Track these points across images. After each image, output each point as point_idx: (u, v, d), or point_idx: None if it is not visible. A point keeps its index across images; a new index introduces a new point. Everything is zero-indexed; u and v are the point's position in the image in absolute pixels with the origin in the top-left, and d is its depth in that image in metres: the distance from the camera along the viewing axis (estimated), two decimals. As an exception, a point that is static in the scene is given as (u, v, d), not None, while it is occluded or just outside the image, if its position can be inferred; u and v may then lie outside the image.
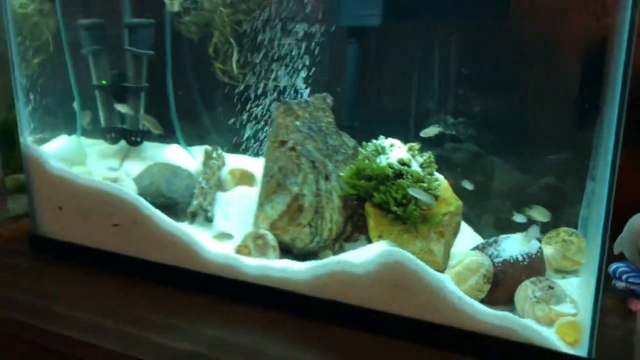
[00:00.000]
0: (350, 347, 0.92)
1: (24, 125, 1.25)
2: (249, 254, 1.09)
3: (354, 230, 1.12)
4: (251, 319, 1.01)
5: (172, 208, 1.24)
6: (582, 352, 0.82)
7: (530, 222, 1.08)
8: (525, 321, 0.86)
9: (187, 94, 1.47)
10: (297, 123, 1.16)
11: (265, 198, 1.12)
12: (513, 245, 1.00)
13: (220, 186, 1.35)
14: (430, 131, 1.17)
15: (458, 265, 0.97)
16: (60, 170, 1.24)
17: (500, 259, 0.98)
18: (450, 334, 0.89)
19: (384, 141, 1.11)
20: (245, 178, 1.36)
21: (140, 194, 1.20)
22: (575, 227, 1.16)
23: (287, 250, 1.12)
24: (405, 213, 1.00)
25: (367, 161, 1.08)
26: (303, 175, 1.08)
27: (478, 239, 1.19)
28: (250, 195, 1.31)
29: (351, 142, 1.20)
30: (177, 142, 1.45)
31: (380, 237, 1.03)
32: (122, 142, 1.47)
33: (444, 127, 1.25)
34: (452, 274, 0.95)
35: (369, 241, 1.08)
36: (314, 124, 1.16)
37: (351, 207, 1.11)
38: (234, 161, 1.43)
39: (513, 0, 1.19)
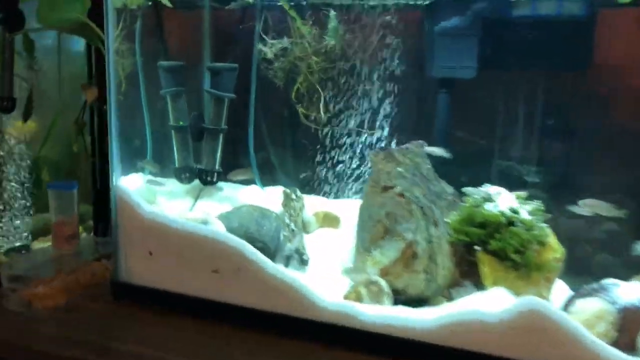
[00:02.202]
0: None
1: (115, 167, 1.23)
2: (358, 300, 1.10)
3: (460, 276, 1.15)
4: (371, 366, 1.02)
5: (263, 251, 1.24)
6: None
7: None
8: (661, 367, 0.91)
9: (266, 136, 1.48)
10: (400, 169, 1.19)
11: (372, 243, 1.14)
12: (626, 292, 1.05)
13: (303, 228, 1.35)
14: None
15: (582, 312, 1.00)
16: (153, 214, 1.22)
17: (618, 306, 1.03)
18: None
19: (489, 189, 1.15)
20: (328, 220, 1.37)
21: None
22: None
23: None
24: (523, 260, 1.04)
25: (476, 208, 1.11)
26: (415, 221, 1.11)
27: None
28: (336, 237, 1.33)
29: (449, 189, 1.23)
30: (253, 182, 1.45)
31: (494, 284, 1.06)
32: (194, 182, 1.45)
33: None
34: (580, 321, 0.99)
35: (476, 287, 1.11)
36: (416, 170, 1.20)
37: (459, 253, 1.14)
38: (309, 202, 1.44)
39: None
